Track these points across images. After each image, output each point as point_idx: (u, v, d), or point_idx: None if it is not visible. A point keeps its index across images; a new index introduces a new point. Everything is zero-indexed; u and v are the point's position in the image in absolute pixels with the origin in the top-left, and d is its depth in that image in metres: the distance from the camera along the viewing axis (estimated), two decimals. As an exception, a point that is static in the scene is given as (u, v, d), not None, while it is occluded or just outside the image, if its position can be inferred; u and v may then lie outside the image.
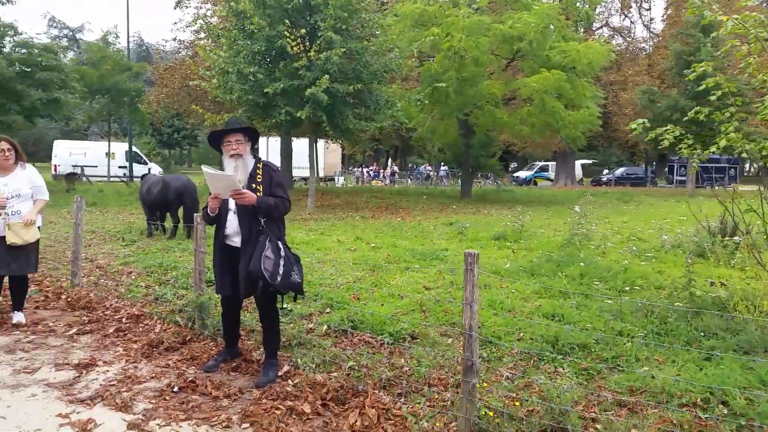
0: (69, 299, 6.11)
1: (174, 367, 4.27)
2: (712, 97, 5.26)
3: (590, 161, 48.70)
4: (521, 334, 4.80)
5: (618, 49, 37.34)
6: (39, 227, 5.38)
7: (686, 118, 5.62)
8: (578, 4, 23.95)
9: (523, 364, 4.30)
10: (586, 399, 3.69)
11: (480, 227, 11.75)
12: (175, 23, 44.94)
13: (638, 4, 42.04)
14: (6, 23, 21.72)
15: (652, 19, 40.92)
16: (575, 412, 3.40)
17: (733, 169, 36.11)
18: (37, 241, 5.33)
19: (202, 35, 22.65)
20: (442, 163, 39.17)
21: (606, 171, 46.24)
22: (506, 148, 40.96)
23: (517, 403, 3.53)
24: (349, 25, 15.44)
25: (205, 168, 4.00)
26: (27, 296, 5.69)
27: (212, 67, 16.28)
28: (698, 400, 3.62)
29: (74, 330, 5.14)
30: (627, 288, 6.16)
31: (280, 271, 3.82)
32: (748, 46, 4.91)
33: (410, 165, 51.62)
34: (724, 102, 5.21)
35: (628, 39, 42.55)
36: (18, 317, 5.33)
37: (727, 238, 7.43)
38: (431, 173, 40.42)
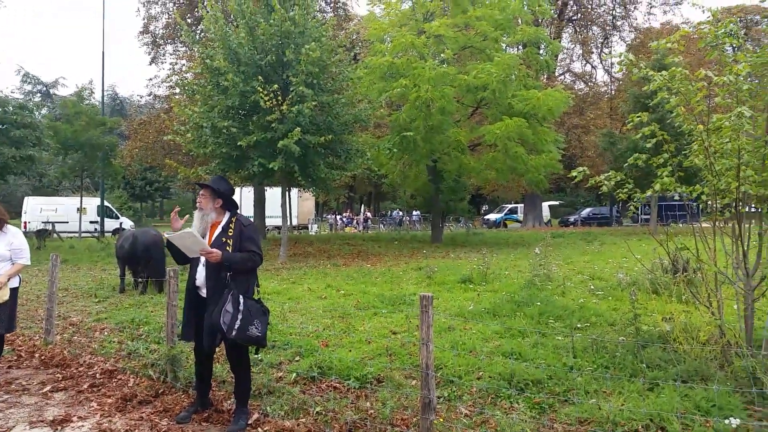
0: (42, 357, 6.21)
1: (147, 420, 4.42)
2: (648, 145, 5.75)
3: (558, 202, 49.84)
4: (480, 373, 5.07)
5: (580, 94, 38.89)
6: (17, 287, 5.48)
7: (626, 164, 6.09)
8: (540, 52, 25.06)
9: (481, 401, 4.56)
10: (538, 431, 3.96)
11: (448, 271, 12.07)
12: (151, 79, 45.97)
13: (599, 50, 43.97)
14: (-20, 83, 21.98)
15: (612, 63, 42.57)
16: (525, 444, 3.67)
17: (696, 206, 37.14)
18: (10, 302, 5.37)
19: (177, 90, 23.09)
20: (415, 208, 39.79)
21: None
22: (477, 192, 41.80)
23: (470, 437, 3.79)
24: (321, 79, 16.03)
25: (167, 234, 4.32)
26: (0, 356, 5.76)
27: (187, 122, 16.65)
28: (640, 427, 3.91)
29: (48, 387, 5.26)
30: (581, 325, 6.50)
31: (236, 325, 4.02)
32: (676, 98, 5.39)
33: (382, 211, 52.18)
34: (660, 148, 5.68)
35: (589, 84, 44.32)
36: (-10, 378, 5.42)
37: (677, 275, 7.85)
38: (404, 218, 40.94)
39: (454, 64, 21.45)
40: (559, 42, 33.00)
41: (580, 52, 43.86)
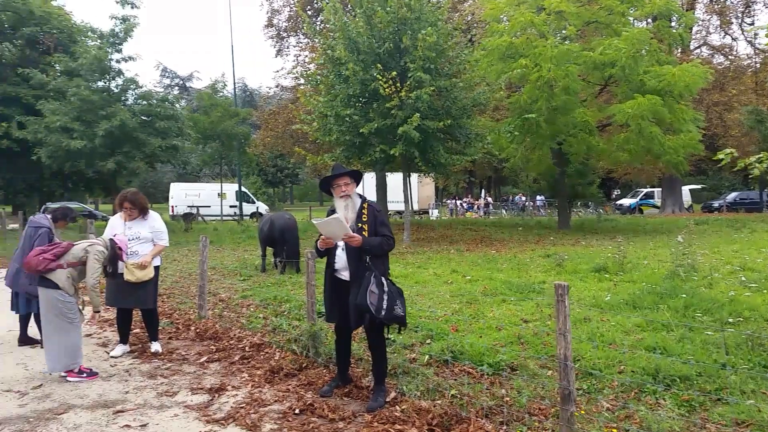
0: (197, 330, 6.83)
1: (294, 392, 4.72)
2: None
3: (699, 186, 45.87)
4: (622, 367, 4.86)
5: (719, 68, 35.42)
6: (157, 266, 6.03)
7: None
8: (672, 25, 23.16)
9: (623, 395, 4.38)
10: (688, 430, 3.74)
11: (579, 259, 11.62)
12: (277, 71, 48.72)
13: (739, 20, 39.73)
14: (129, 78, 24.08)
15: (756, 34, 38.14)
16: (676, 442, 3.48)
17: None
18: (153, 280, 5.90)
19: (302, 81, 24.10)
20: (538, 193, 38.55)
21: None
22: (607, 175, 39.60)
23: (615, 431, 3.65)
24: (438, 63, 16.01)
25: (314, 220, 4.52)
26: (160, 328, 6.39)
27: (312, 111, 17.33)
28: (809, 434, 3.57)
29: (204, 358, 5.78)
30: (733, 320, 6.01)
31: (384, 305, 4.20)
32: None
33: (504, 196, 51.12)
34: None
35: (730, 57, 40.19)
36: (155, 347, 6.06)
37: None
38: (526, 203, 39.85)
39: (577, 41, 20.41)
40: (693, 13, 30.25)
41: (718, 23, 39.76)
